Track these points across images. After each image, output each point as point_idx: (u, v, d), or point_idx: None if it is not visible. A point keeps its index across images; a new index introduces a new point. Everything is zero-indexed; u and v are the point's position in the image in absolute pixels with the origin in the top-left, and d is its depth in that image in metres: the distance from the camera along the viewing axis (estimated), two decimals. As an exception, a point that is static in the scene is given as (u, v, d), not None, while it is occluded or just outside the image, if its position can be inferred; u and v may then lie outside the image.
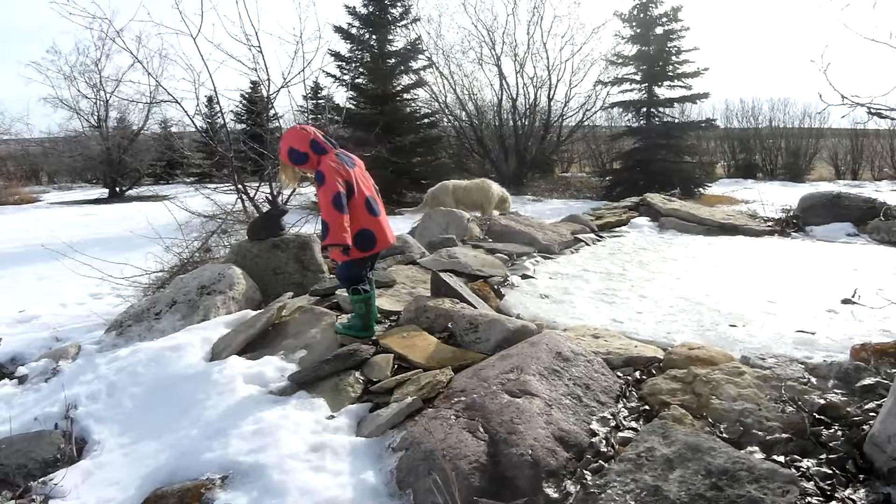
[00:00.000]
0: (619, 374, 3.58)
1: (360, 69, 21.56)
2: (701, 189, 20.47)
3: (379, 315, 4.61)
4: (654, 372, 3.59)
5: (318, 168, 4.01)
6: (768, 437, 2.90)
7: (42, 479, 3.44)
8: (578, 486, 2.72)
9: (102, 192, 27.00)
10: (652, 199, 9.40)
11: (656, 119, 22.18)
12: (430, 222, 8.17)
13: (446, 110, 25.15)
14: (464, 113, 25.36)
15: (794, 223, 8.38)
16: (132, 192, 26.56)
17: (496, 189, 10.99)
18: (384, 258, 6.16)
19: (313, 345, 4.24)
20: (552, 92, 24.78)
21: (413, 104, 23.14)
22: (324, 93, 21.21)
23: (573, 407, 3.19)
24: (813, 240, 7.65)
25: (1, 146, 32.67)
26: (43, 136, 31.85)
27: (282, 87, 8.88)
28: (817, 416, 3.00)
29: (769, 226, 8.37)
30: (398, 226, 12.07)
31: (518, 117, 24.88)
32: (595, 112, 25.45)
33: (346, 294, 4.38)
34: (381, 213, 4.21)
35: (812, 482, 2.59)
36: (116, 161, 25.84)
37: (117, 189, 26.33)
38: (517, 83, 25.23)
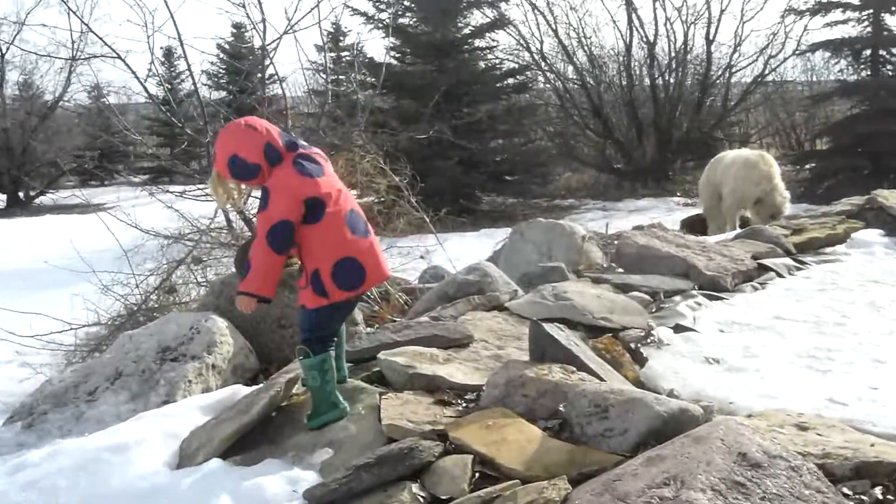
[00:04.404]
0: (845, 490, 3.49)
1: (407, 3, 21.83)
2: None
3: (450, 394, 4.64)
4: (907, 487, 3.49)
5: (266, 184, 4.30)
6: None
7: None
8: None
9: (-3, 198, 27.74)
10: (886, 201, 9.23)
11: (889, 68, 21.80)
12: (521, 243, 8.19)
13: (543, 64, 25.23)
14: (571, 68, 25.45)
15: None
16: (45, 198, 27.22)
17: (763, 172, 10.71)
18: (453, 302, 6.18)
19: (343, 440, 4.27)
20: (713, 29, 24.65)
21: (490, 56, 23.33)
22: (350, 41, 21.56)
23: (771, 545, 3.11)
24: None
25: None
26: None
27: (284, 32, 9.05)
28: None
29: None
30: (473, 247, 12.14)
31: (658, 72, 24.78)
32: (785, 60, 25.21)
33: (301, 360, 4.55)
34: (371, 235, 4.53)
35: None
36: (19, 150, 26.48)
37: (21, 194, 27.03)
38: (655, 18, 25.22)
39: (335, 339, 4.59)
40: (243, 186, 4.66)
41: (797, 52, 24.77)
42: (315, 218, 4.27)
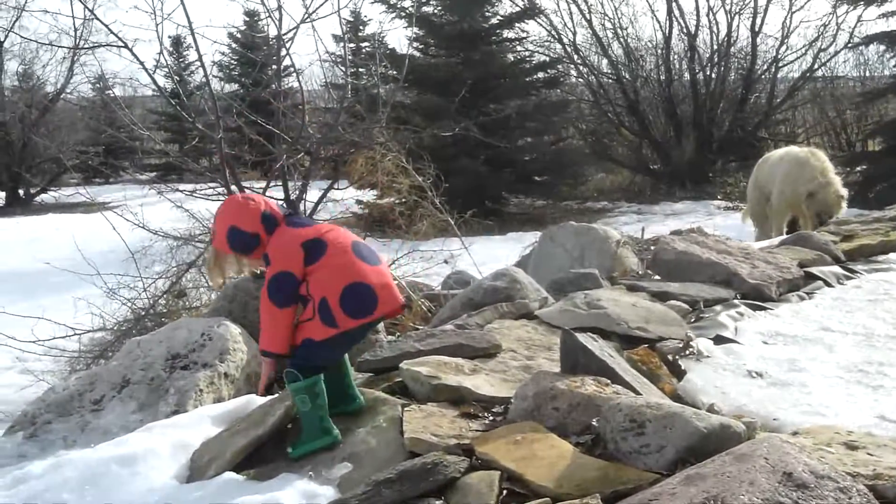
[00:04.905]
0: (897, 512, 3.49)
1: (432, -10, 21.86)
2: None
3: (476, 406, 4.65)
4: (963, 511, 3.48)
5: (267, 250, 4.40)
6: None
7: None
8: None
9: (-4, 196, 27.71)
10: (943, 206, 9.21)
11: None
12: (551, 247, 8.17)
13: (575, 57, 25.18)
14: (605, 61, 25.39)
15: None
16: (47, 196, 27.20)
17: (816, 168, 10.71)
18: (479, 310, 6.18)
19: (363, 454, 4.27)
20: (759, 20, 24.55)
21: (519, 48, 23.29)
22: (370, 30, 21.61)
23: (818, 571, 3.12)
24: None
25: None
26: None
27: (302, 21, 9.07)
28: None
29: None
30: (499, 251, 12.10)
31: (699, 66, 24.69)
32: (836, 53, 25.08)
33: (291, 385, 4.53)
34: (382, 264, 4.53)
35: None
36: (19, 144, 26.43)
37: (21, 192, 27.04)
38: (697, 7, 25.16)
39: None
40: (244, 262, 4.69)
41: (849, 44, 24.61)
42: (317, 256, 4.31)
